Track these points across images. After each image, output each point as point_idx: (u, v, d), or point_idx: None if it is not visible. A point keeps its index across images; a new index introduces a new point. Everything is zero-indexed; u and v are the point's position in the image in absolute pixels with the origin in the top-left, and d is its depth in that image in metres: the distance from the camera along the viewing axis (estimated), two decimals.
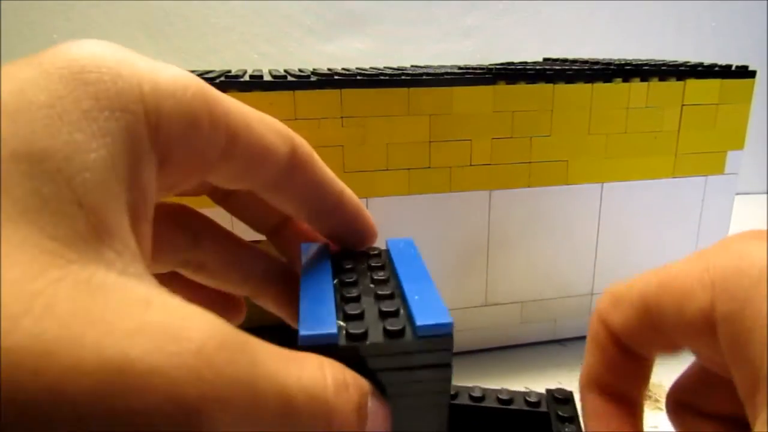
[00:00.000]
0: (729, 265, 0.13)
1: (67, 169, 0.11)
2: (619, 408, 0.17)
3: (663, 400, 0.20)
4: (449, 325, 0.14)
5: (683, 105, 0.35)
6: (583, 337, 0.17)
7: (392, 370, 0.14)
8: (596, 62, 0.41)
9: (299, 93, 0.29)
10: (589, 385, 0.17)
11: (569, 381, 0.31)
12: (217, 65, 0.49)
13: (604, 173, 0.35)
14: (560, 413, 0.22)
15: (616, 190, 0.36)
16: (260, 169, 0.16)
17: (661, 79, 0.35)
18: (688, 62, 0.40)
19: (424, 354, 0.14)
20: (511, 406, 0.23)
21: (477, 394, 0.20)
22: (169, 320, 0.10)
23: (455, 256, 0.34)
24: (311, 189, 0.17)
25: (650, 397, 0.30)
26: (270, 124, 0.16)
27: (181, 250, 0.18)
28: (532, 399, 0.23)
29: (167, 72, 0.13)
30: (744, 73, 0.36)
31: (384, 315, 0.15)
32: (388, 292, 0.15)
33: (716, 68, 0.36)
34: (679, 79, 0.35)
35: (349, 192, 0.18)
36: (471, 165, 0.33)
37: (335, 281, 0.16)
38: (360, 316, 0.14)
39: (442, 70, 0.36)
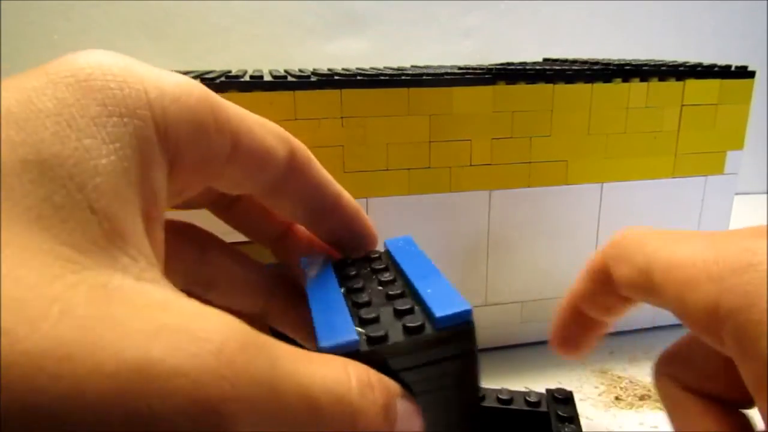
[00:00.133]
0: (737, 260, 0.13)
1: (78, 175, 0.11)
2: (585, 327, 0.19)
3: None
4: (468, 312, 0.14)
5: (683, 105, 0.35)
6: None
7: (418, 367, 0.14)
8: (596, 62, 0.41)
9: (299, 93, 0.29)
10: (570, 301, 0.19)
11: (569, 381, 0.32)
12: (217, 65, 0.49)
13: (604, 173, 0.35)
14: (560, 413, 0.22)
15: (616, 190, 0.36)
16: (261, 172, 0.16)
17: (661, 80, 0.35)
18: (688, 62, 0.40)
19: (447, 345, 0.14)
20: (511, 406, 0.23)
21: None
22: (188, 322, 0.10)
23: (455, 256, 0.34)
24: (309, 191, 0.17)
25: (650, 396, 0.30)
26: (269, 128, 0.16)
27: (189, 264, 0.18)
28: (532, 399, 0.23)
29: (171, 78, 0.13)
30: (743, 73, 0.36)
31: (400, 314, 0.14)
32: (398, 291, 0.15)
33: (716, 68, 0.36)
34: (678, 79, 0.35)
35: (346, 194, 0.18)
36: (471, 165, 0.33)
37: (342, 290, 0.16)
38: (376, 320, 0.14)
39: (442, 70, 0.36)
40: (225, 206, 0.19)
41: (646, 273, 0.15)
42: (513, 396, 0.23)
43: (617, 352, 0.35)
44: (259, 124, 0.16)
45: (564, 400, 0.23)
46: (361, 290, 0.16)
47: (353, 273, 0.17)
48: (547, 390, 0.23)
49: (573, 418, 0.22)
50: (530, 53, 0.59)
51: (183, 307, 0.10)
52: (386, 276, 0.17)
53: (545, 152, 0.34)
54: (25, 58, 0.55)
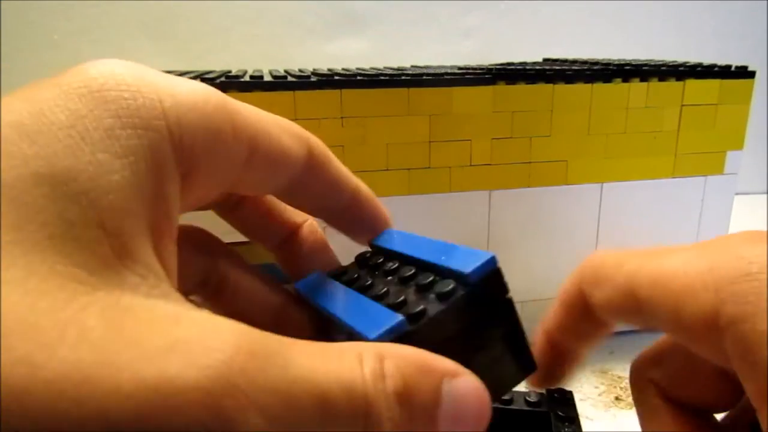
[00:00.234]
0: (734, 268, 0.13)
1: (91, 191, 0.11)
2: (560, 355, 0.18)
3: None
4: (494, 259, 0.14)
5: (683, 105, 0.35)
6: None
7: (465, 331, 0.14)
8: (596, 62, 0.41)
9: (299, 93, 0.29)
10: (545, 330, 0.18)
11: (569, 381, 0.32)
12: (217, 65, 0.49)
13: (604, 173, 0.35)
14: (560, 413, 0.22)
15: (615, 190, 0.36)
16: (280, 174, 0.16)
17: (661, 80, 0.35)
18: (688, 62, 0.40)
19: (485, 297, 0.14)
20: (511, 406, 0.23)
21: None
22: (199, 334, 0.10)
23: None
24: (328, 187, 0.17)
25: None
26: (286, 127, 0.16)
27: (198, 270, 0.18)
28: (532, 399, 0.23)
29: (186, 85, 0.13)
30: (743, 73, 0.36)
31: (424, 288, 0.14)
32: (411, 272, 0.15)
33: (716, 68, 0.36)
34: (678, 79, 0.35)
35: (364, 186, 0.18)
36: (471, 165, 0.33)
37: (354, 291, 0.16)
38: (404, 302, 0.14)
39: (442, 70, 0.36)
40: (230, 208, 0.19)
41: (629, 292, 0.15)
42: (513, 396, 0.23)
43: (617, 351, 0.35)
44: (276, 124, 0.15)
45: (564, 400, 0.23)
46: (372, 285, 0.16)
47: (355, 276, 0.17)
48: (547, 390, 0.23)
49: (573, 418, 0.22)
50: (530, 53, 0.59)
51: (194, 319, 0.10)
52: (389, 266, 0.16)
53: (545, 152, 0.34)
54: (25, 58, 0.55)
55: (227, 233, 0.19)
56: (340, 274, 0.18)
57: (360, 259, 0.18)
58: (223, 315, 0.11)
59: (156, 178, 0.12)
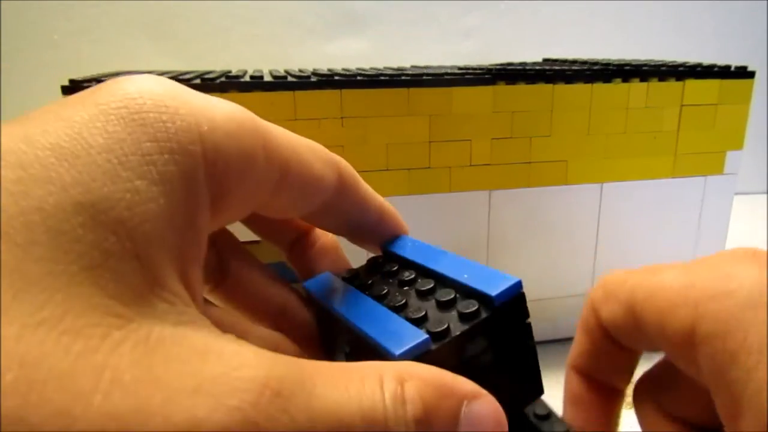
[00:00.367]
0: (715, 286, 0.13)
1: (128, 220, 0.11)
2: (599, 394, 0.17)
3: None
4: (519, 284, 0.14)
5: (682, 105, 0.35)
6: None
7: (485, 352, 0.14)
8: (596, 63, 0.41)
9: (299, 93, 0.29)
10: (574, 367, 0.17)
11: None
12: (217, 65, 0.49)
13: (604, 173, 0.35)
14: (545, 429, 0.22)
15: (615, 190, 0.36)
16: (311, 199, 0.16)
17: (661, 80, 0.35)
18: (688, 62, 0.40)
19: (506, 321, 0.14)
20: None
21: None
22: (226, 371, 0.10)
23: None
24: (356, 210, 0.17)
25: None
26: (317, 152, 0.16)
27: (211, 272, 0.18)
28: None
29: (222, 108, 0.13)
30: (743, 73, 0.36)
31: (446, 305, 0.14)
32: (430, 286, 0.15)
33: (715, 68, 0.36)
34: (678, 79, 0.35)
35: (387, 204, 0.18)
36: (471, 165, 0.33)
37: (370, 298, 0.16)
38: (425, 318, 0.14)
39: (442, 71, 0.36)
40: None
41: (630, 307, 0.15)
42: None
43: None
44: (308, 148, 0.15)
45: (546, 416, 0.23)
46: (387, 295, 0.16)
47: (369, 282, 0.17)
48: (526, 412, 0.23)
49: (549, 414, 0.22)
50: (530, 53, 0.59)
51: (222, 351, 0.11)
52: (406, 275, 0.16)
53: (545, 152, 0.34)
54: (25, 58, 0.55)
55: (238, 233, 0.19)
56: (352, 277, 0.18)
57: (372, 263, 0.18)
58: (230, 307, 0.11)
59: (189, 206, 0.12)
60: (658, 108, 0.35)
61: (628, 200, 0.36)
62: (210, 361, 0.10)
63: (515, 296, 0.14)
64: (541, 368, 0.16)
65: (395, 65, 0.47)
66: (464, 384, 0.13)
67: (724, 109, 0.36)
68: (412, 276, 0.16)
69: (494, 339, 0.14)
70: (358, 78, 0.31)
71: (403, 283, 0.16)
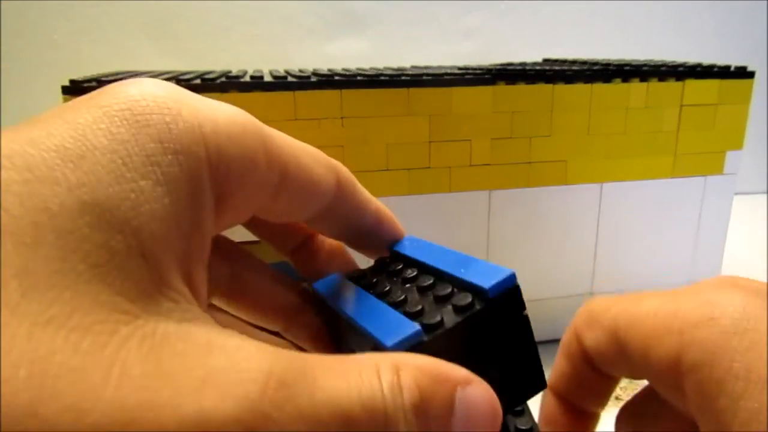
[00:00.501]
0: (699, 313, 0.13)
1: (133, 219, 0.11)
2: (573, 417, 0.17)
3: None
4: (513, 276, 0.14)
5: (682, 105, 0.35)
6: None
7: (480, 344, 0.14)
8: (596, 63, 0.42)
9: (299, 93, 0.29)
10: (552, 388, 0.18)
11: None
12: (217, 65, 0.49)
13: (604, 173, 0.35)
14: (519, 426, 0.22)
15: (615, 190, 0.36)
16: (310, 203, 0.16)
17: (661, 80, 0.35)
18: (687, 63, 0.40)
19: (501, 313, 0.14)
20: None
21: None
22: (231, 363, 0.10)
23: None
24: (354, 213, 0.18)
25: None
26: (316, 156, 0.16)
27: (221, 273, 0.18)
28: None
29: (224, 110, 0.13)
30: (743, 73, 0.36)
31: (442, 299, 0.15)
32: (430, 282, 0.16)
33: (715, 69, 0.36)
34: (678, 79, 0.35)
35: (383, 207, 0.19)
36: (471, 165, 0.33)
37: (372, 296, 0.16)
38: (421, 312, 0.14)
39: (442, 71, 0.36)
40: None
41: (613, 333, 0.15)
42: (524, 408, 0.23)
43: None
44: (307, 153, 0.16)
45: (528, 430, 0.23)
46: (390, 291, 0.16)
47: (374, 281, 0.17)
48: (508, 424, 0.23)
49: (523, 410, 0.22)
50: (530, 53, 0.59)
51: (225, 345, 0.11)
52: (409, 273, 0.17)
53: (545, 152, 0.34)
54: (25, 58, 0.55)
55: (238, 232, 0.19)
56: (359, 277, 0.18)
57: (379, 263, 0.19)
58: (239, 315, 0.11)
59: (193, 206, 0.12)
60: (657, 108, 0.35)
61: (628, 200, 0.36)
62: (214, 355, 0.10)
63: (510, 288, 0.14)
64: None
65: (395, 65, 0.47)
66: (458, 371, 0.13)
67: (723, 109, 0.36)
68: (414, 273, 0.16)
69: (490, 331, 0.14)
70: (358, 78, 0.31)
71: (405, 281, 0.16)
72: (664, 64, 0.38)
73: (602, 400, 0.17)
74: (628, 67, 0.35)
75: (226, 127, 0.13)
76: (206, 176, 0.12)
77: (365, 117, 0.31)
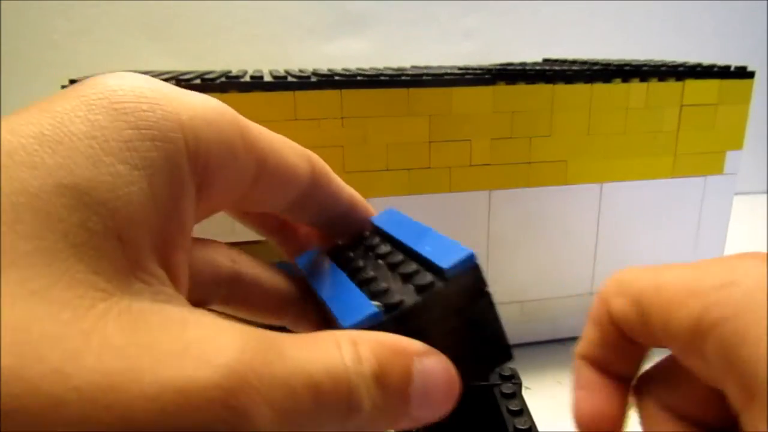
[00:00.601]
0: (721, 277, 0.13)
1: (110, 201, 0.11)
2: (608, 382, 0.17)
3: None
4: (471, 256, 0.15)
5: (682, 105, 0.35)
6: None
7: (442, 321, 0.14)
8: (596, 63, 0.42)
9: (299, 93, 0.29)
10: (584, 356, 0.18)
11: (569, 380, 0.31)
12: (217, 65, 0.49)
13: (604, 173, 0.35)
14: (504, 391, 0.23)
15: (615, 190, 0.36)
16: (286, 191, 0.16)
17: (661, 80, 0.35)
18: (687, 63, 0.40)
19: (461, 292, 0.15)
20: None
21: None
22: (207, 334, 0.11)
23: None
24: (328, 201, 0.18)
25: None
26: (291, 145, 0.16)
27: (222, 279, 0.18)
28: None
29: (201, 100, 0.14)
30: (743, 73, 0.36)
31: (407, 278, 0.15)
32: (399, 259, 0.16)
33: (715, 69, 0.36)
34: (678, 79, 0.35)
35: (357, 195, 0.19)
36: (470, 165, 0.33)
37: (345, 273, 0.17)
38: (386, 290, 0.15)
39: (442, 71, 0.36)
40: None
41: (638, 302, 0.15)
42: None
43: None
44: (283, 142, 0.16)
45: (509, 376, 0.24)
46: (362, 269, 0.17)
47: (350, 255, 0.18)
48: (500, 405, 0.23)
49: (515, 393, 0.23)
50: (530, 53, 0.59)
51: (199, 321, 0.11)
52: (382, 249, 0.17)
53: (545, 152, 0.34)
54: (25, 58, 0.55)
55: (235, 233, 0.19)
56: (337, 252, 0.19)
57: (358, 237, 0.19)
58: (244, 317, 0.11)
59: (172, 191, 0.12)
60: (657, 108, 0.35)
61: (628, 200, 0.36)
62: (190, 328, 0.11)
63: (470, 267, 0.15)
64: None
65: (395, 65, 0.47)
66: (415, 344, 0.13)
67: (723, 109, 0.36)
68: (388, 250, 0.17)
69: (451, 308, 0.15)
70: (358, 78, 0.31)
71: (378, 257, 0.17)
72: (664, 64, 0.38)
73: (634, 364, 0.17)
74: (628, 67, 0.35)
75: (204, 115, 0.13)
76: (185, 163, 0.13)
77: (365, 117, 0.31)
